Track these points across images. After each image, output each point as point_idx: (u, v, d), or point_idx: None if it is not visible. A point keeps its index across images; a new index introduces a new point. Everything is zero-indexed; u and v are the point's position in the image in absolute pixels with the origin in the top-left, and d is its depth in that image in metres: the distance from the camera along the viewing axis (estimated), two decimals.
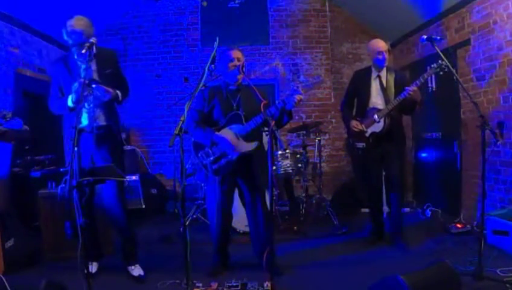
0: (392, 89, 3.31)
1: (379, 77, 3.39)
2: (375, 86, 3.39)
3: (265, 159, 3.02)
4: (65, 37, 2.69)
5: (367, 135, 3.35)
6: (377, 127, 3.30)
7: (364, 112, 3.40)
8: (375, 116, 3.28)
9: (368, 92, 3.39)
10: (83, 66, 2.69)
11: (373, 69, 3.43)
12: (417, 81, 3.08)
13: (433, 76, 3.58)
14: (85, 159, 2.79)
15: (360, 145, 3.36)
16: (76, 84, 2.57)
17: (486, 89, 3.79)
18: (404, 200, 3.84)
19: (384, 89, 3.34)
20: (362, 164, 3.58)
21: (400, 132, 3.50)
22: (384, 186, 3.76)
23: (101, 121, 2.83)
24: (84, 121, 2.77)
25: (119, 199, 2.89)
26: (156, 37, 5.81)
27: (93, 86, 2.63)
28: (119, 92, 2.83)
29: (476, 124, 2.75)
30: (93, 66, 2.74)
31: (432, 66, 3.01)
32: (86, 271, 2.06)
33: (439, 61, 2.93)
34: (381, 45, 3.32)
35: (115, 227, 3.04)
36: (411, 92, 3.07)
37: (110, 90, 2.72)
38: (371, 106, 3.37)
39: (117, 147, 2.94)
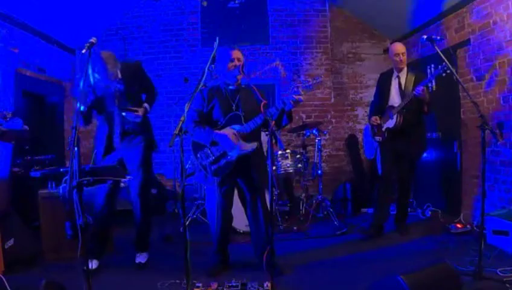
0: (411, 89, 3.50)
1: (398, 77, 3.67)
2: (394, 85, 3.69)
3: (265, 159, 3.02)
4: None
5: (383, 129, 3.68)
6: (390, 123, 3.61)
7: (384, 109, 3.70)
8: (390, 112, 3.59)
9: (388, 91, 3.72)
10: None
11: (394, 70, 3.71)
12: (422, 83, 3.31)
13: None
14: (115, 161, 2.99)
15: (378, 138, 3.74)
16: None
17: (486, 89, 3.79)
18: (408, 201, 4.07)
19: (402, 89, 3.60)
20: (382, 157, 3.79)
21: (417, 134, 3.69)
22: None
23: (131, 125, 3.00)
24: (116, 126, 2.96)
25: (139, 197, 3.09)
26: (156, 37, 5.81)
27: (124, 114, 2.90)
28: (147, 106, 3.04)
29: (476, 124, 2.75)
30: (121, 87, 2.91)
31: (436, 69, 3.12)
32: (85, 268, 2.05)
33: (443, 63, 2.95)
34: (398, 48, 3.64)
35: (134, 219, 3.18)
36: (421, 93, 3.29)
37: (140, 113, 2.93)
38: (390, 104, 3.66)
39: (146, 149, 3.10)
